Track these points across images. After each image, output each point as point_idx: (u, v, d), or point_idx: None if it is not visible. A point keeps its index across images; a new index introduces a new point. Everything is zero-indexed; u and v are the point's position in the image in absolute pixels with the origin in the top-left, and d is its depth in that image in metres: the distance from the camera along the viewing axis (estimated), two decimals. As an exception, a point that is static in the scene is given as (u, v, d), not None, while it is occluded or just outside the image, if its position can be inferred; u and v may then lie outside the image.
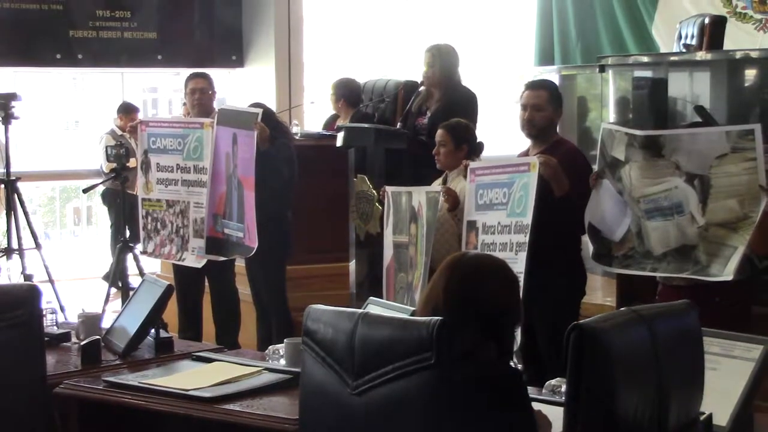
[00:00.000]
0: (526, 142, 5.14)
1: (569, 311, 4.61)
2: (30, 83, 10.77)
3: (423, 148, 5.69)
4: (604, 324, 2.40)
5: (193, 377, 3.55)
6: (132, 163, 7.11)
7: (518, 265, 4.56)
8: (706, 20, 7.84)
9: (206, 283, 6.32)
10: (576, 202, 4.65)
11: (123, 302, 5.85)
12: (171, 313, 5.72)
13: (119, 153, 6.79)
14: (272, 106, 7.74)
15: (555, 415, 2.66)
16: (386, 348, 2.45)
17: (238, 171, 5.68)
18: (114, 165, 6.94)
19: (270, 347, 3.94)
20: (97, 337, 3.96)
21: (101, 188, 9.06)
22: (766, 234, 4.17)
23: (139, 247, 6.48)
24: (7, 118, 6.86)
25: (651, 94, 7.32)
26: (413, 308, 3.36)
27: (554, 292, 4.66)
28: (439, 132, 5.26)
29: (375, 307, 3.68)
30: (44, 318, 3.88)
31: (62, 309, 6.26)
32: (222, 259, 5.93)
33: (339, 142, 6.24)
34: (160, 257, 6.33)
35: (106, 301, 6.85)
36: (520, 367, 4.85)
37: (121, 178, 6.71)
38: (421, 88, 6.19)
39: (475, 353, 2.48)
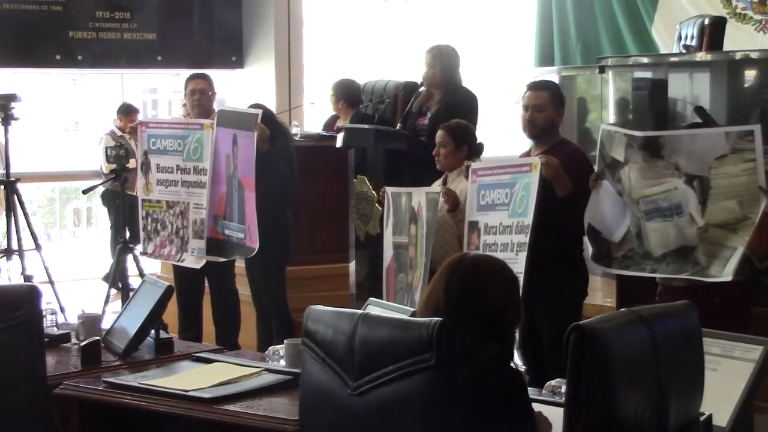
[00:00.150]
0: (526, 143, 5.14)
1: (571, 312, 4.60)
2: (30, 84, 10.78)
3: (423, 148, 5.69)
4: (604, 325, 2.40)
5: (193, 378, 3.55)
6: (132, 164, 7.11)
7: (518, 265, 4.56)
8: (706, 21, 7.85)
9: (206, 284, 6.32)
10: (578, 202, 4.65)
11: (123, 303, 5.86)
12: (171, 314, 5.72)
13: (119, 154, 6.79)
14: (272, 107, 7.75)
15: (555, 415, 2.66)
16: (386, 349, 2.45)
17: (238, 172, 5.68)
18: (114, 166, 6.94)
19: (270, 348, 3.94)
20: (97, 337, 3.96)
21: (101, 189, 9.06)
22: (766, 235, 4.17)
23: (139, 248, 6.48)
24: (7, 119, 6.86)
25: (651, 95, 7.32)
26: (413, 309, 3.36)
27: (556, 293, 4.67)
28: (439, 133, 5.26)
29: (375, 308, 3.68)
30: (44, 319, 3.88)
31: (62, 310, 6.26)
32: (223, 260, 5.93)
33: (339, 143, 6.24)
34: (159, 258, 6.33)
35: (106, 301, 6.85)
36: (522, 367, 4.85)
37: (120, 179, 6.71)
38: (422, 89, 6.19)
39: (475, 354, 2.48)
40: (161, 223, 6.03)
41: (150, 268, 7.13)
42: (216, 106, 6.35)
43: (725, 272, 4.24)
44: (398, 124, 6.23)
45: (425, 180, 5.37)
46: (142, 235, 6.17)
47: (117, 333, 4.04)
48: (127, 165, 6.88)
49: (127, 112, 9.51)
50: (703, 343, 2.64)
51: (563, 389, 2.94)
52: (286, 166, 5.93)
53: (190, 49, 9.85)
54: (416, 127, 6.12)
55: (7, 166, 7.02)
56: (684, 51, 7.93)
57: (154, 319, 3.99)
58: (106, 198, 9.52)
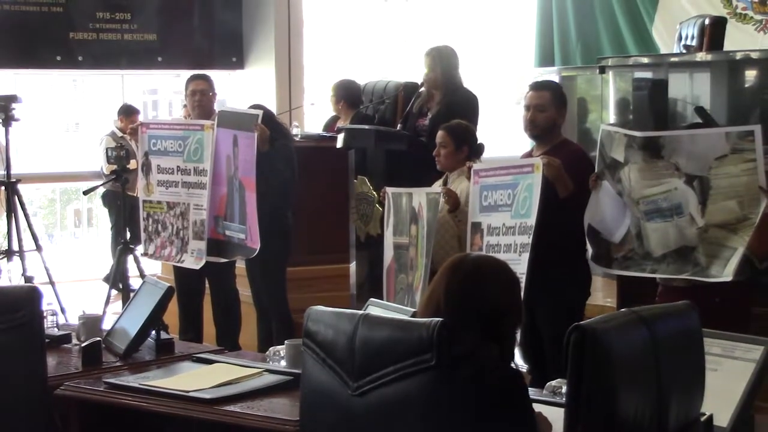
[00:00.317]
0: (527, 143, 5.14)
1: (573, 312, 4.59)
2: (30, 85, 10.77)
3: (423, 149, 5.69)
4: (605, 325, 2.40)
5: (193, 379, 3.55)
6: (132, 164, 7.11)
7: (521, 266, 4.56)
8: (706, 21, 7.85)
9: (207, 285, 6.32)
10: (580, 202, 4.65)
11: (123, 304, 5.85)
12: (171, 315, 5.71)
13: (120, 155, 6.80)
14: (272, 107, 7.74)
15: (555, 416, 2.66)
16: (387, 349, 2.45)
17: (239, 173, 5.68)
18: (114, 167, 6.95)
19: (270, 348, 3.94)
20: (98, 338, 3.96)
21: (102, 190, 9.07)
22: (766, 235, 4.17)
23: (139, 249, 6.48)
24: (8, 120, 6.86)
25: (651, 95, 7.32)
26: (414, 309, 3.36)
27: (558, 293, 4.67)
28: (440, 133, 5.26)
29: (375, 309, 3.68)
30: (45, 319, 3.88)
31: (63, 311, 6.26)
32: (224, 260, 5.93)
33: (339, 144, 6.24)
34: (160, 259, 6.32)
35: (107, 302, 6.85)
36: (524, 368, 4.85)
37: (121, 180, 6.72)
38: (422, 89, 6.19)
39: (476, 354, 2.48)
40: (162, 224, 6.03)
41: (150, 269, 7.13)
42: (216, 107, 6.34)
43: (725, 272, 4.24)
44: (398, 125, 6.23)
45: (426, 180, 5.37)
46: (143, 236, 6.17)
47: (118, 334, 4.04)
48: (127, 166, 6.89)
49: (127, 113, 9.51)
50: (704, 344, 2.64)
51: (564, 389, 2.95)
52: (287, 166, 5.93)
53: (190, 49, 9.86)
54: (416, 128, 6.12)
55: (8, 167, 7.02)
56: (684, 51, 7.93)
57: (154, 319, 3.99)
58: (107, 199, 9.52)
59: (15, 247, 6.96)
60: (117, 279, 6.94)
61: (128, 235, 7.21)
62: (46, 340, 3.78)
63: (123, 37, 9.50)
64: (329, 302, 2.98)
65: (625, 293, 5.62)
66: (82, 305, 5.41)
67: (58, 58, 9.32)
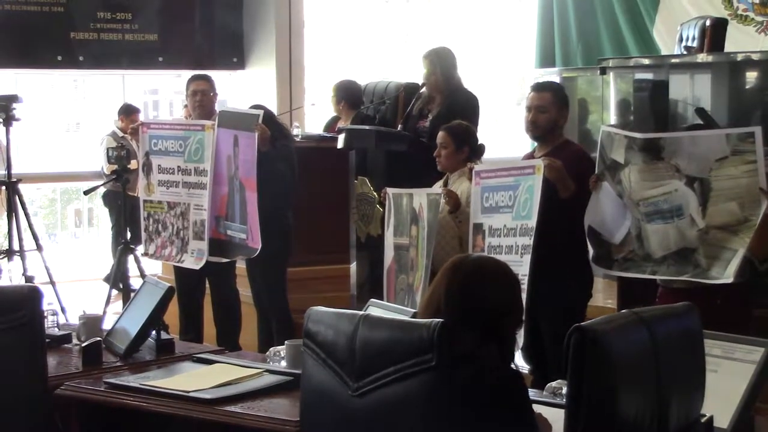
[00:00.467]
0: (528, 144, 5.14)
1: (575, 313, 4.60)
2: (31, 85, 10.77)
3: (424, 149, 5.69)
4: (605, 326, 2.40)
5: (194, 379, 3.55)
6: (133, 164, 7.11)
7: (523, 267, 4.57)
8: (707, 22, 7.85)
9: (207, 285, 6.32)
10: (582, 203, 4.65)
11: (124, 304, 5.85)
12: (172, 315, 5.71)
13: (120, 155, 6.80)
14: (273, 108, 7.75)
15: (556, 417, 2.66)
16: (387, 350, 2.45)
17: (239, 173, 5.69)
18: (115, 167, 6.95)
19: (271, 349, 3.94)
20: (98, 338, 3.96)
21: (102, 190, 9.07)
22: (766, 237, 4.17)
23: (140, 249, 6.48)
24: (8, 120, 6.86)
25: (652, 96, 7.33)
26: (414, 310, 3.37)
27: (561, 294, 4.67)
28: (440, 134, 5.26)
29: (376, 309, 3.68)
30: (45, 319, 3.88)
31: (63, 310, 6.26)
32: (225, 260, 5.93)
33: (340, 144, 6.24)
34: (160, 259, 6.33)
35: (107, 302, 6.85)
36: (526, 369, 4.85)
37: (122, 180, 6.72)
38: (422, 90, 6.20)
39: (476, 355, 2.49)
40: (162, 224, 6.03)
41: (151, 269, 7.13)
42: (217, 107, 6.35)
43: (726, 274, 4.24)
44: (399, 126, 6.23)
45: (426, 181, 5.37)
46: (143, 236, 6.17)
47: (118, 334, 4.04)
48: (128, 166, 6.89)
49: (128, 112, 9.51)
50: (704, 345, 2.64)
51: (564, 390, 2.95)
52: (287, 166, 5.93)
53: (191, 50, 9.86)
54: (417, 130, 6.12)
55: (9, 167, 7.02)
56: (685, 52, 7.93)
57: (155, 320, 3.99)
58: (108, 199, 9.52)
59: (15, 246, 6.96)
60: (117, 279, 6.94)
61: (129, 235, 7.21)
62: (47, 340, 3.78)
63: (124, 37, 9.51)
64: (329, 303, 2.98)
65: (625, 294, 5.61)
66: (83, 305, 5.41)
67: (59, 58, 9.32)
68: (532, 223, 4.61)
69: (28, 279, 6.75)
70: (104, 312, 6.28)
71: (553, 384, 3.30)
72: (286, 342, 3.77)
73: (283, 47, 9.77)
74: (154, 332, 4.03)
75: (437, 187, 5.21)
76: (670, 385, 2.44)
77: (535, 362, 4.84)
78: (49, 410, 3.49)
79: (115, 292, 7.00)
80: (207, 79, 6.34)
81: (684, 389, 2.52)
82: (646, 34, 10.78)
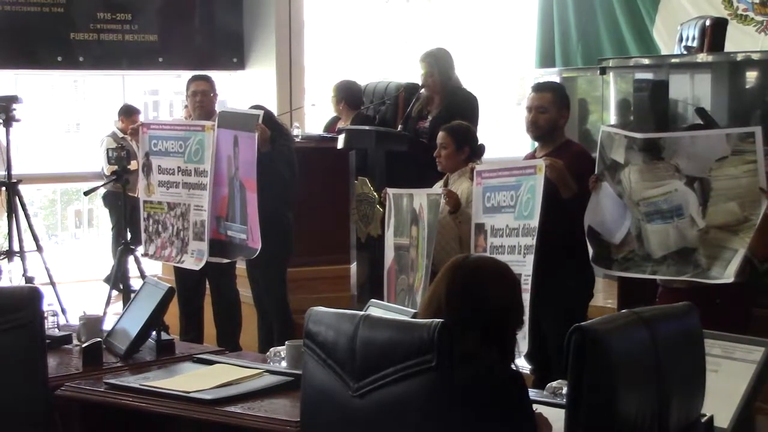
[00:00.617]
0: (528, 144, 5.14)
1: (576, 313, 4.59)
2: (31, 86, 10.77)
3: (424, 150, 5.69)
4: (605, 326, 2.40)
5: (194, 379, 3.55)
6: (133, 165, 7.11)
7: (526, 267, 4.57)
8: (707, 22, 7.85)
9: (207, 285, 6.32)
10: (583, 203, 4.65)
11: (124, 304, 5.85)
12: (172, 316, 5.72)
13: (120, 155, 6.80)
14: (273, 108, 7.74)
15: (556, 416, 2.66)
16: (387, 350, 2.45)
17: (239, 173, 5.69)
18: (115, 167, 6.95)
19: (271, 349, 3.95)
20: (99, 339, 3.97)
21: (102, 191, 9.07)
22: (767, 237, 4.17)
23: (140, 250, 6.48)
24: (8, 121, 6.86)
25: (652, 96, 7.33)
26: (414, 310, 3.37)
27: (562, 294, 4.67)
28: (440, 134, 5.26)
29: (376, 310, 3.68)
30: (45, 320, 3.88)
31: (63, 311, 6.25)
32: (226, 261, 5.94)
33: (340, 145, 6.24)
34: (160, 260, 6.33)
35: (108, 303, 6.85)
36: (527, 369, 4.85)
37: (122, 181, 6.72)
38: (422, 91, 6.19)
39: (477, 355, 2.49)
40: (162, 224, 6.03)
41: (151, 270, 7.13)
42: (217, 108, 6.35)
43: (726, 274, 4.24)
44: (399, 126, 6.23)
45: (426, 181, 5.37)
46: (143, 236, 6.17)
47: (118, 334, 4.04)
48: (128, 166, 6.89)
49: (128, 113, 9.51)
50: (704, 345, 2.64)
51: (564, 390, 2.95)
52: (287, 167, 5.93)
53: (191, 50, 9.86)
54: (417, 131, 6.12)
55: (9, 168, 7.02)
56: (685, 52, 7.93)
57: (155, 320, 3.99)
58: (108, 199, 9.52)
59: (16, 247, 6.96)
60: (118, 279, 6.94)
61: (129, 235, 7.21)
62: (47, 341, 3.78)
63: (124, 37, 9.51)
64: (330, 303, 2.98)
65: (625, 294, 5.61)
66: (83, 306, 5.41)
67: (59, 58, 9.32)
68: (535, 223, 4.61)
69: (29, 280, 6.75)
70: (104, 313, 6.28)
71: (553, 384, 3.30)
72: (286, 342, 3.77)
73: (283, 48, 9.77)
74: (154, 333, 4.03)
75: (437, 188, 5.20)
76: (671, 385, 2.44)
77: (536, 362, 4.84)
78: (50, 411, 3.49)
79: (115, 292, 7.00)
80: (207, 80, 6.34)
81: (684, 389, 2.52)
82: (646, 34, 10.78)
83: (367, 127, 6.40)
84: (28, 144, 9.97)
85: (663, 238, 4.44)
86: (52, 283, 6.88)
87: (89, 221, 13.08)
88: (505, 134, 10.69)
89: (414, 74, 6.42)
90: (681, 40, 8.11)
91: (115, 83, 10.89)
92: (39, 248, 7.00)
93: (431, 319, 2.44)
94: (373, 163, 5.98)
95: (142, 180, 6.11)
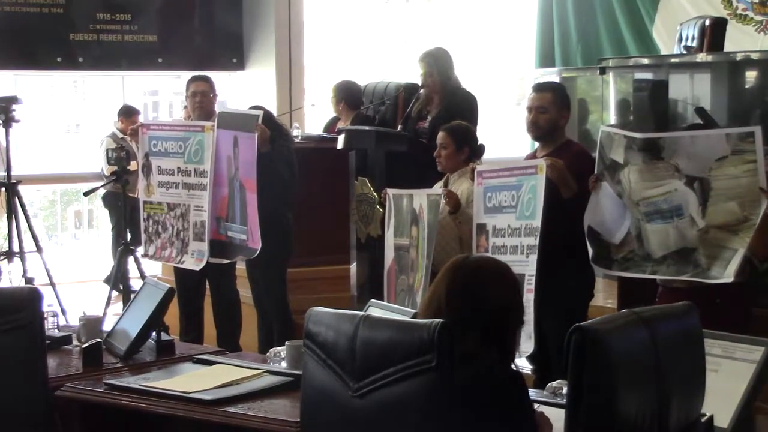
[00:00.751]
0: (528, 144, 5.14)
1: (577, 313, 4.59)
2: (31, 86, 10.76)
3: (424, 150, 5.69)
4: (605, 326, 2.40)
5: (194, 380, 3.55)
6: (133, 166, 7.11)
7: (529, 267, 4.57)
8: (707, 22, 7.85)
9: (207, 286, 6.32)
10: (584, 204, 4.65)
11: (124, 305, 5.85)
12: (172, 316, 5.72)
13: (120, 156, 6.80)
14: (273, 108, 7.75)
15: (556, 417, 2.67)
16: (387, 350, 2.45)
17: (239, 173, 5.69)
18: (115, 168, 6.95)
19: (271, 350, 3.95)
20: (99, 340, 3.96)
21: (102, 191, 9.07)
22: (766, 236, 4.17)
23: (140, 250, 6.48)
24: (8, 122, 6.87)
25: (652, 96, 7.32)
26: (414, 311, 3.37)
27: (562, 294, 4.66)
28: (440, 134, 5.26)
29: (376, 310, 3.68)
30: (45, 321, 3.88)
31: (63, 312, 6.26)
32: (226, 261, 5.93)
33: (340, 145, 6.24)
34: (160, 260, 6.33)
35: (107, 304, 6.85)
36: (528, 369, 4.85)
37: (122, 181, 6.72)
38: (421, 91, 6.19)
39: (477, 355, 2.49)
40: (162, 225, 6.03)
41: (151, 270, 7.13)
42: (217, 108, 6.35)
43: (726, 274, 4.24)
44: (399, 126, 6.23)
45: (426, 182, 5.37)
46: (143, 237, 6.17)
47: (118, 335, 4.04)
48: (128, 167, 6.89)
49: (128, 114, 9.51)
50: (704, 344, 2.64)
51: (564, 390, 2.95)
52: (287, 167, 5.93)
53: (190, 51, 9.86)
54: (417, 131, 6.12)
55: (8, 169, 7.02)
56: (685, 52, 7.93)
57: (155, 321, 3.99)
58: (108, 200, 9.52)
59: (15, 248, 6.96)
60: (117, 280, 6.94)
61: (129, 236, 7.21)
62: (47, 342, 3.78)
63: (123, 38, 9.51)
64: (330, 303, 2.98)
65: (625, 294, 5.61)
66: (83, 306, 5.41)
67: (59, 59, 9.32)
68: (537, 223, 4.61)
69: (28, 280, 6.76)
70: (104, 313, 6.28)
71: (553, 384, 3.30)
72: (286, 343, 3.77)
73: (283, 48, 9.77)
74: (154, 333, 4.03)
75: (437, 188, 5.20)
76: (671, 385, 2.44)
77: (537, 362, 4.84)
78: (50, 412, 3.49)
79: (115, 293, 7.00)
80: (207, 80, 6.34)
81: (684, 389, 2.52)
82: (646, 33, 10.78)
83: (366, 128, 6.40)
84: (27, 145, 9.97)
85: (663, 237, 4.44)
86: (52, 284, 6.88)
87: (89, 222, 13.07)
88: (504, 134, 10.68)
89: (413, 74, 6.41)
90: (680, 39, 8.11)
91: (115, 84, 10.89)
92: (39, 249, 7.00)
93: (431, 320, 2.44)
94: (373, 164, 5.98)
95: (142, 180, 6.11)
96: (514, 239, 4.73)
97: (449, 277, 2.65)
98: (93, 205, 12.20)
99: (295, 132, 7.34)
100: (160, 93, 13.09)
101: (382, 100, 7.05)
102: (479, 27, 11.42)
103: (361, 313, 2.63)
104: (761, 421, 3.17)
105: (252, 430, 3.20)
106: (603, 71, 8.01)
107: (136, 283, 6.51)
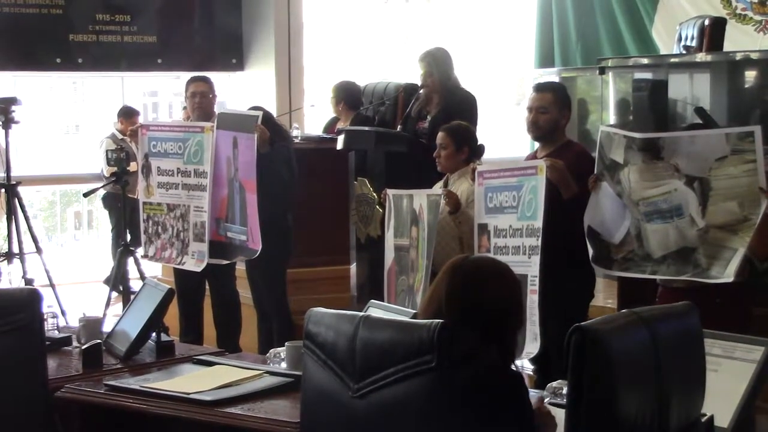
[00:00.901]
0: (528, 144, 5.14)
1: (577, 313, 4.59)
2: (30, 87, 10.77)
3: (423, 150, 5.69)
4: (605, 326, 2.40)
5: (194, 381, 3.55)
6: (132, 167, 7.11)
7: (532, 268, 4.56)
8: (706, 22, 7.86)
9: (207, 287, 6.32)
10: (585, 204, 4.65)
11: (124, 306, 5.85)
12: (172, 317, 5.72)
13: (120, 157, 6.80)
14: (272, 109, 7.75)
15: (556, 417, 2.67)
16: (387, 351, 2.45)
17: (239, 174, 5.69)
18: (114, 169, 6.95)
19: (271, 350, 3.95)
20: (98, 341, 3.96)
21: (102, 192, 9.08)
22: (766, 236, 4.17)
23: (140, 251, 6.48)
24: (8, 123, 6.87)
25: (651, 95, 7.33)
26: (414, 311, 3.37)
27: (563, 294, 4.66)
28: (440, 134, 5.26)
29: (376, 310, 3.69)
30: (45, 322, 3.88)
31: (63, 313, 6.26)
32: (226, 262, 5.93)
33: (339, 145, 6.24)
34: (160, 261, 6.33)
35: (107, 305, 6.84)
36: (529, 369, 4.85)
37: (121, 182, 6.71)
38: (421, 91, 6.19)
39: (477, 355, 2.49)
40: (162, 226, 6.03)
41: (151, 271, 7.13)
42: (216, 109, 6.35)
43: (726, 273, 4.23)
44: (398, 127, 6.23)
45: (426, 182, 5.37)
46: (143, 238, 6.17)
47: (118, 336, 4.04)
48: (127, 168, 6.88)
49: (127, 115, 9.51)
50: (704, 344, 2.64)
51: (564, 390, 2.95)
52: (286, 168, 5.93)
53: (190, 51, 9.86)
54: (417, 131, 6.12)
55: (8, 170, 7.02)
56: (684, 52, 7.93)
57: (155, 322, 3.99)
58: (107, 201, 9.52)
59: (15, 249, 6.96)
60: (117, 281, 6.94)
61: (129, 237, 7.21)
62: (47, 343, 3.78)
63: (123, 39, 9.50)
64: (330, 304, 2.98)
65: (625, 294, 5.61)
66: (83, 307, 5.41)
67: (58, 60, 9.32)
68: (538, 223, 4.60)
69: (28, 282, 6.76)
70: (104, 314, 6.27)
71: (554, 384, 3.30)
72: (286, 343, 3.77)
73: (282, 48, 9.77)
74: (154, 334, 4.03)
75: (437, 188, 5.20)
76: (671, 385, 2.44)
77: (538, 362, 4.84)
78: (50, 413, 3.49)
79: (115, 294, 7.00)
80: (206, 81, 6.34)
81: (684, 389, 2.52)
82: (645, 33, 10.78)
83: (366, 128, 6.40)
84: (27, 146, 9.98)
85: (663, 237, 4.43)
86: (52, 285, 6.88)
87: (89, 223, 13.07)
88: (504, 134, 10.68)
89: (413, 74, 6.41)
90: (680, 39, 8.11)
91: (115, 85, 10.89)
92: (38, 250, 7.00)
93: (431, 320, 2.44)
94: (373, 164, 5.98)
95: (142, 181, 6.11)
96: (516, 240, 4.73)
97: (449, 277, 2.65)
98: (93, 206, 12.21)
99: (295, 132, 7.33)
100: (160, 94, 13.10)
101: (382, 100, 7.05)
102: (479, 27, 11.42)
103: (361, 313, 2.62)
104: (761, 421, 3.17)
105: (252, 431, 3.20)
106: (602, 71, 8.01)
107: (135, 284, 6.51)
